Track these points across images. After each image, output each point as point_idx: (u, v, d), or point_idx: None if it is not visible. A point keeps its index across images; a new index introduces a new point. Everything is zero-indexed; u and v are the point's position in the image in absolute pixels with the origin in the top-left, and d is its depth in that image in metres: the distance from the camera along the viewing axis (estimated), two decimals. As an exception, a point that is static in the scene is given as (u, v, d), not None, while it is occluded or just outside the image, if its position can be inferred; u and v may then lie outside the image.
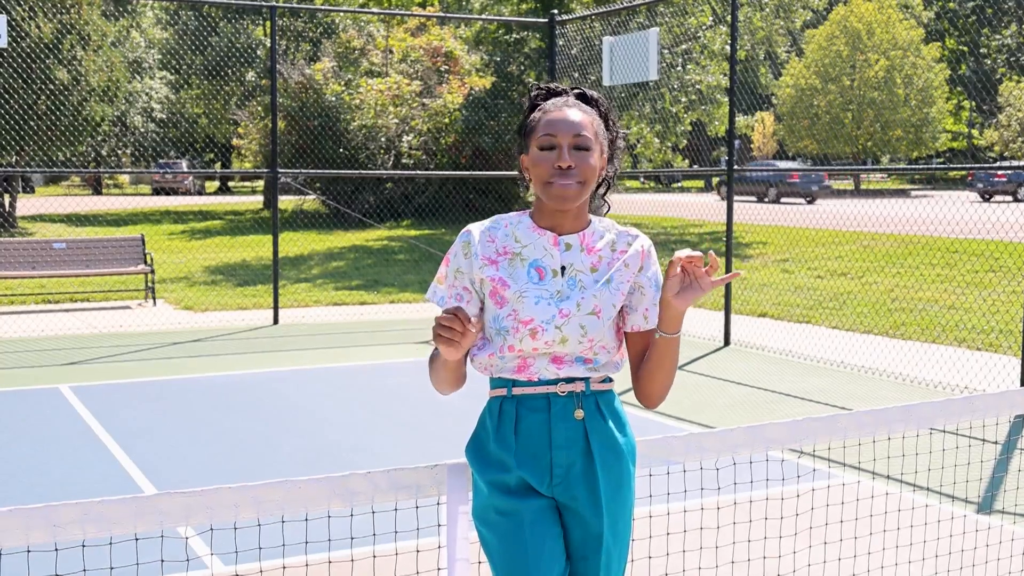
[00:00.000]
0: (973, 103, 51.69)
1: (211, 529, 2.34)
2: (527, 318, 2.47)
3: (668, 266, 2.37)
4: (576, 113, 2.51)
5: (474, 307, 2.55)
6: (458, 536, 2.64)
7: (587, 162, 2.48)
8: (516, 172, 2.71)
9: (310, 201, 28.24)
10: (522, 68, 26.00)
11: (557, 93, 2.62)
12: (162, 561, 3.40)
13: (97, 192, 49.75)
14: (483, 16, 22.87)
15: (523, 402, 2.52)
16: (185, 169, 45.98)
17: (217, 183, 57.01)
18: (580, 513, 2.52)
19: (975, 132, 50.79)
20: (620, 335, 2.59)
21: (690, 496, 5.34)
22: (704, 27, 21.56)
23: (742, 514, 5.19)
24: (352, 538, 3.18)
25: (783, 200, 37.88)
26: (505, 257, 2.54)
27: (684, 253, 2.36)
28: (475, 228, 2.59)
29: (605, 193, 2.66)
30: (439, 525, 2.73)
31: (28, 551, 2.39)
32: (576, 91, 2.63)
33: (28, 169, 12.55)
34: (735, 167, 10.90)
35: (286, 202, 30.17)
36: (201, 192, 50.54)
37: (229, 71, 39.85)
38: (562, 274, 2.52)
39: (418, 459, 6.38)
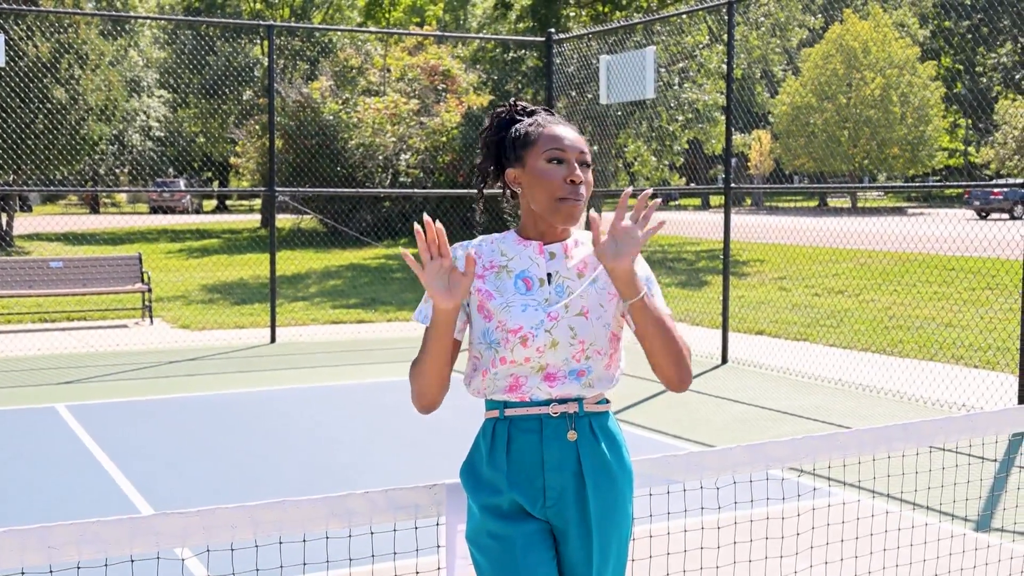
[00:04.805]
0: (969, 121, 51.84)
1: (208, 550, 2.32)
2: (515, 326, 2.45)
3: (592, 233, 2.36)
4: (573, 131, 2.54)
5: (460, 322, 2.54)
6: (457, 557, 2.62)
7: (588, 179, 2.53)
8: (499, 188, 2.67)
9: (308, 220, 28.26)
10: (519, 86, 26.07)
11: (529, 113, 2.62)
12: (158, 582, 3.37)
13: (94, 211, 49.77)
14: (480, 35, 22.95)
15: (515, 423, 2.50)
16: (183, 188, 46.03)
17: (215, 202, 57.05)
18: (572, 537, 2.49)
19: (971, 150, 50.91)
20: (614, 343, 2.56)
21: (690, 515, 5.32)
22: (701, 46, 21.63)
23: (742, 533, 5.17)
24: (350, 559, 3.16)
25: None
26: (492, 271, 2.54)
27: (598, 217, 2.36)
28: (459, 245, 2.60)
29: None
30: (438, 546, 2.71)
31: (23, 573, 2.37)
32: (545, 109, 2.64)
33: (25, 188, 12.55)
34: (732, 185, 10.90)
35: (283, 221, 30.17)
36: (199, 211, 50.60)
37: (227, 90, 39.94)
38: (548, 282, 2.52)
39: (416, 477, 6.35)
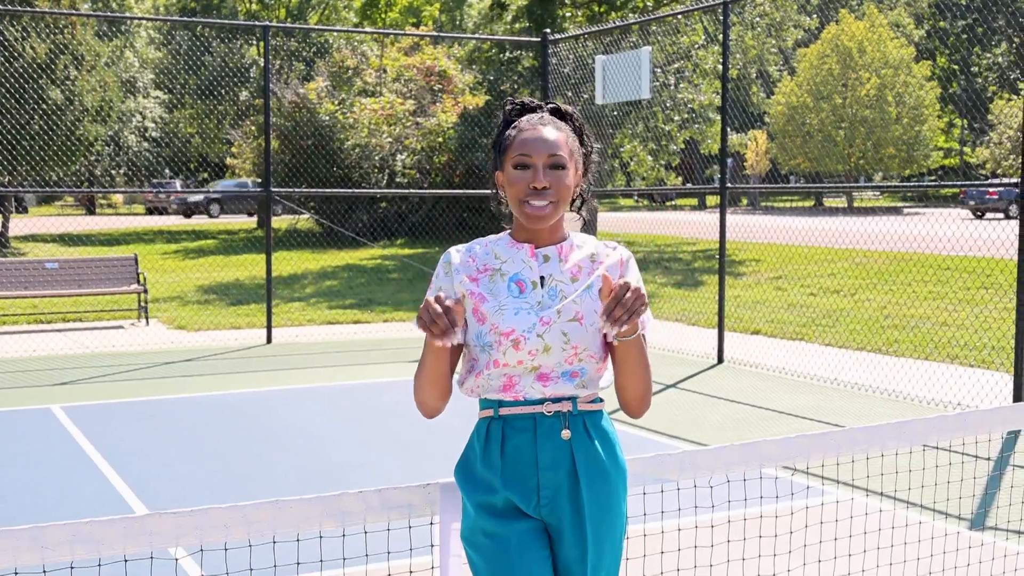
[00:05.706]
0: (965, 121, 51.90)
1: (201, 550, 2.32)
2: (508, 329, 2.46)
3: (601, 294, 2.34)
4: (551, 131, 2.51)
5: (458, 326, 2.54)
6: (451, 556, 2.63)
7: (562, 181, 2.49)
8: (491, 190, 2.68)
9: (304, 220, 28.25)
10: (515, 87, 26.06)
11: (532, 108, 2.62)
12: (153, 582, 3.39)
13: (90, 212, 49.75)
14: (476, 35, 22.96)
15: (509, 422, 2.50)
16: (179, 188, 46.01)
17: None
18: (566, 535, 2.50)
19: (967, 150, 50.96)
20: (605, 347, 2.57)
21: (683, 514, 5.33)
22: (696, 46, 21.64)
23: (736, 532, 5.18)
24: (344, 559, 3.17)
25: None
26: (485, 274, 2.55)
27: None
28: (454, 249, 2.61)
29: (580, 207, 2.66)
30: (432, 545, 2.72)
31: (16, 573, 2.38)
32: (551, 106, 2.63)
33: (21, 189, 12.51)
34: (728, 185, 10.91)
35: (280, 221, 30.15)
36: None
37: (223, 91, 39.94)
38: (542, 285, 2.52)
39: (412, 477, 6.36)
